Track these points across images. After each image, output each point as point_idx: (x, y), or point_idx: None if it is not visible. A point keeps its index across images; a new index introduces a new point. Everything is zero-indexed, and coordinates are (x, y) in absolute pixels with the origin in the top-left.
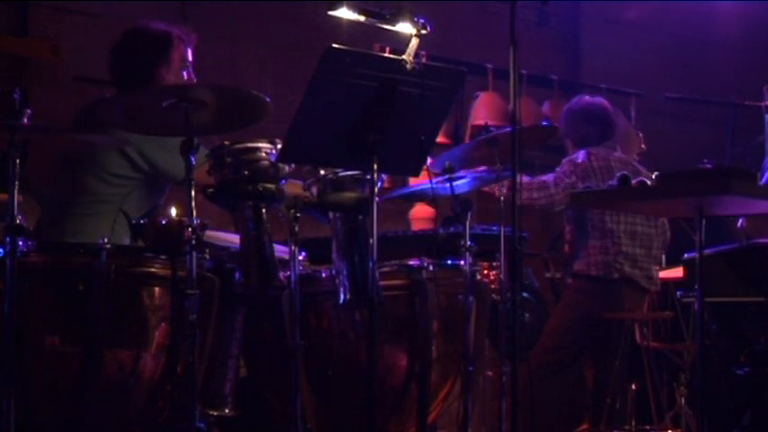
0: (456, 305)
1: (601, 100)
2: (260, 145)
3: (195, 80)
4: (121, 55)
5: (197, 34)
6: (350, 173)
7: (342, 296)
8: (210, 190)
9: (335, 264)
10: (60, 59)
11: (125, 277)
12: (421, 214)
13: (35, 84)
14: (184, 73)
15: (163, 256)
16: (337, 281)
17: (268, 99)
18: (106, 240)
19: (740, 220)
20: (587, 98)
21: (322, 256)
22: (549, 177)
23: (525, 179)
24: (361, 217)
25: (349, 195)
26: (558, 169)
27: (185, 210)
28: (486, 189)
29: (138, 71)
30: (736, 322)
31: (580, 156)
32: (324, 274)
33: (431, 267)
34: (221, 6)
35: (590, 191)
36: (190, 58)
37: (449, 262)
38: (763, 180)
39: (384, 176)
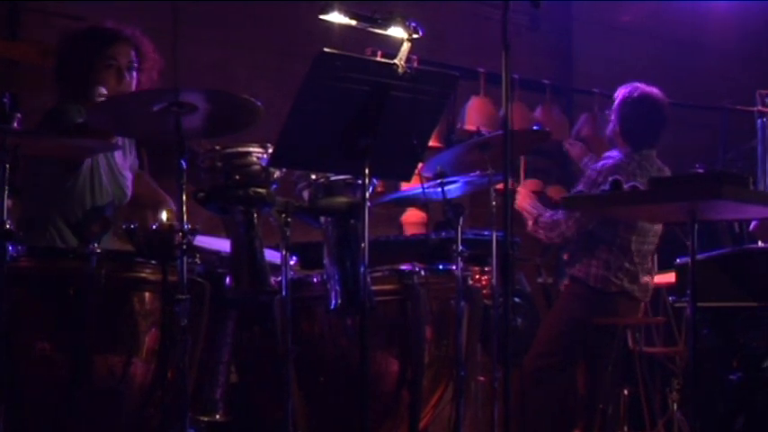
0: (448, 310)
1: (661, 95)
2: (251, 149)
3: (134, 84)
4: (62, 54)
5: (149, 38)
6: (341, 177)
7: (333, 301)
8: (201, 194)
9: (327, 269)
10: (50, 63)
11: (115, 282)
12: (413, 219)
13: (25, 87)
14: (126, 74)
15: (153, 261)
16: (329, 286)
17: (259, 103)
18: (96, 245)
19: (753, 223)
20: (646, 89)
21: (313, 261)
22: (563, 214)
23: (546, 217)
24: (352, 221)
25: (340, 200)
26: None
27: (176, 214)
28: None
29: (76, 72)
30: (728, 327)
31: (603, 173)
32: (315, 279)
33: (422, 272)
34: (213, 9)
35: (583, 195)
36: (134, 58)
37: (440, 267)
38: None
39: (375, 181)
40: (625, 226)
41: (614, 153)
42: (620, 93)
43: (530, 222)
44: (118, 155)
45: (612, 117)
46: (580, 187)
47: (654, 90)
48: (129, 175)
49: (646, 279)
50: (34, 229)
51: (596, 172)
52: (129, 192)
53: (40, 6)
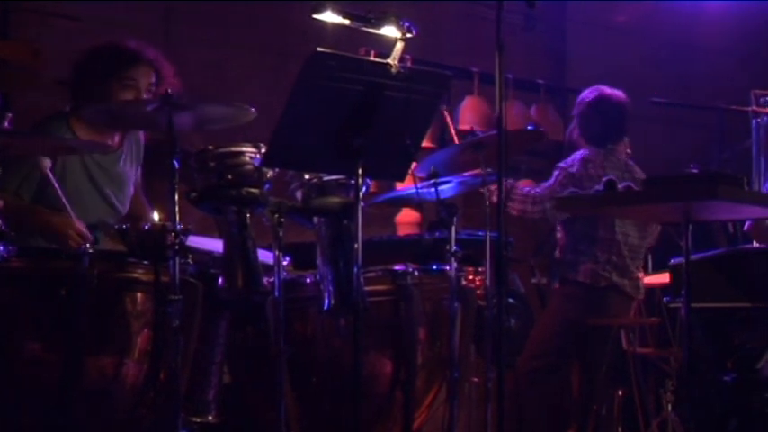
0: (441, 311)
1: (620, 93)
2: (244, 149)
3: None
4: (82, 66)
5: (170, 63)
6: (334, 177)
7: (326, 302)
8: (194, 194)
9: (320, 269)
10: (41, 62)
11: (108, 283)
12: (406, 219)
13: (16, 87)
14: (144, 96)
15: (146, 262)
16: (322, 286)
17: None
18: (88, 246)
19: (747, 223)
20: (607, 89)
21: (306, 262)
22: (543, 190)
23: (524, 190)
24: (345, 222)
25: (334, 200)
26: (553, 176)
27: (168, 214)
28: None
29: (94, 88)
30: (722, 328)
31: (575, 165)
32: (308, 280)
33: (416, 273)
34: (205, 9)
35: (576, 196)
36: (153, 80)
37: (434, 267)
38: (766, 186)
39: (369, 181)
40: (605, 219)
41: (579, 152)
42: (581, 96)
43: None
44: (123, 164)
45: (574, 119)
46: (553, 180)
47: (614, 91)
48: (129, 192)
49: (635, 274)
50: (26, 230)
51: (568, 163)
52: (122, 208)
53: (31, 6)
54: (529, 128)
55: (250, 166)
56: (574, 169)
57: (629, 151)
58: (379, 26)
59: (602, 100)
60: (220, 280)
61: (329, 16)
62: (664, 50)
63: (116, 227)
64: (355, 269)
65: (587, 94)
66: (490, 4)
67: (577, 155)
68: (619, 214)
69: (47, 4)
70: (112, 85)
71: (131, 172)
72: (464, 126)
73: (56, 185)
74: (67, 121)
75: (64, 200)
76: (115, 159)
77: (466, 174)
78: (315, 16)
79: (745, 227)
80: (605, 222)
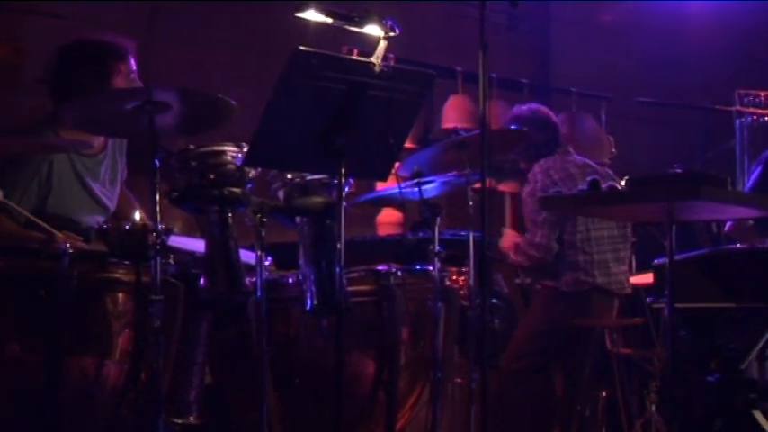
0: (425, 311)
1: (539, 105)
2: (225, 148)
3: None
4: (65, 67)
5: (135, 42)
6: (317, 177)
7: (309, 302)
8: (175, 194)
9: (302, 269)
10: (24, 61)
11: (88, 283)
12: (389, 219)
13: None
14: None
15: (127, 262)
16: (304, 287)
17: (233, 102)
18: (68, 245)
19: (728, 224)
20: (525, 106)
21: (289, 262)
22: (540, 237)
23: (523, 242)
24: (328, 222)
25: (316, 200)
26: (528, 210)
27: (149, 214)
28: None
29: (80, 85)
30: (706, 328)
31: (538, 180)
32: (290, 280)
33: (399, 273)
34: (188, 8)
35: (560, 196)
36: (134, 67)
37: (417, 267)
38: (748, 186)
39: (351, 181)
40: (575, 219)
41: (535, 167)
42: (512, 115)
43: (512, 255)
44: (108, 165)
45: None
46: (538, 221)
47: (529, 105)
48: (117, 189)
49: (618, 269)
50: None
51: (531, 185)
52: (110, 205)
53: (14, 4)
54: (512, 127)
55: (232, 166)
56: (539, 185)
57: (614, 151)
58: (362, 25)
59: (524, 115)
60: (202, 280)
61: (312, 15)
62: (648, 50)
63: (96, 226)
64: (338, 269)
65: (521, 110)
66: (474, 4)
67: (535, 169)
68: (602, 214)
69: (30, 3)
70: (109, 82)
71: (118, 170)
72: (448, 125)
73: (18, 208)
74: (53, 124)
75: (32, 217)
76: (99, 161)
77: (449, 173)
78: (298, 15)
79: (726, 227)
80: (576, 222)
